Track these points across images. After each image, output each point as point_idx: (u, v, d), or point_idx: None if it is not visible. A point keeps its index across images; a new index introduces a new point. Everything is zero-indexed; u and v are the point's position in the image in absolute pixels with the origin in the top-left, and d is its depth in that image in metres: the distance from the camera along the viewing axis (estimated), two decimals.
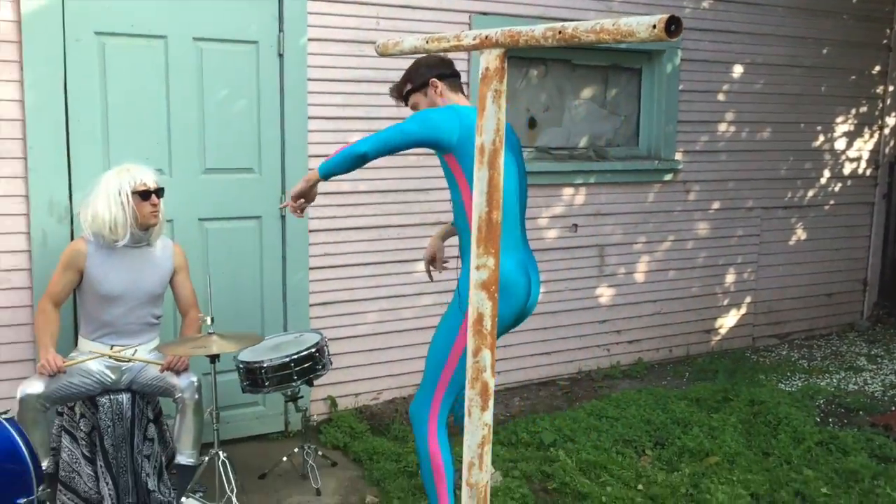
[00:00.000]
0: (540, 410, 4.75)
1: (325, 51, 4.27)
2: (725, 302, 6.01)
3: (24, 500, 2.67)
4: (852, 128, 6.40)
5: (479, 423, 1.45)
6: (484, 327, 1.42)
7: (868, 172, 6.58)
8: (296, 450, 3.88)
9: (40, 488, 2.73)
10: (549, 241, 5.14)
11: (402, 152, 3.14)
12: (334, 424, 4.34)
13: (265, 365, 3.49)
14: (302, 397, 3.77)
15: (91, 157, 3.74)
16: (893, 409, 4.88)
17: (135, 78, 3.81)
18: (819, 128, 6.23)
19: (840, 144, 6.36)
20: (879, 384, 5.36)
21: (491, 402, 1.46)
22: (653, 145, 5.57)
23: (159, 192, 3.41)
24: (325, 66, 4.27)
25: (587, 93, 5.41)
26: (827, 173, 6.34)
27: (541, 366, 5.25)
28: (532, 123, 5.24)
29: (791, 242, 6.27)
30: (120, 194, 3.31)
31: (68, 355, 3.38)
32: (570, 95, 5.35)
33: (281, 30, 4.12)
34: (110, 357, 3.37)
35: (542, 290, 5.05)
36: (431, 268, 3.53)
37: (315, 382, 3.73)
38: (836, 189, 6.43)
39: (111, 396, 3.36)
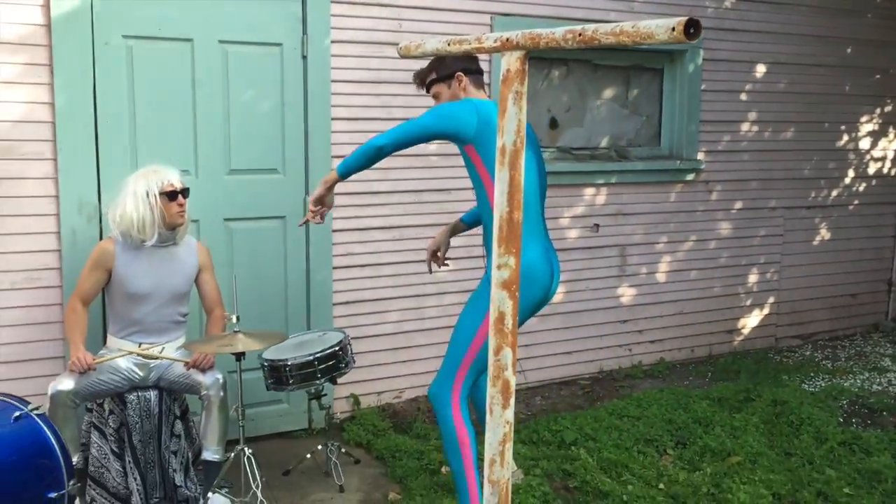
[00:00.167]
0: (561, 409, 4.76)
1: (348, 52, 4.31)
2: (748, 302, 5.98)
3: (55, 494, 2.71)
4: (876, 127, 6.34)
5: (500, 421, 1.47)
6: (505, 326, 1.44)
7: (893, 172, 6.52)
8: (319, 447, 3.92)
9: (70, 483, 2.77)
10: (571, 241, 5.14)
11: (424, 152, 3.18)
12: (357, 422, 4.38)
13: (289, 363, 3.54)
14: (325, 395, 3.81)
15: (119, 158, 3.81)
16: None
17: (162, 80, 3.87)
18: (843, 127, 6.18)
19: (864, 144, 6.31)
20: None
21: (512, 400, 1.48)
22: (675, 145, 5.56)
23: (185, 192, 3.47)
24: (347, 67, 4.31)
25: (609, 93, 5.41)
26: (851, 173, 6.29)
27: (562, 365, 5.25)
28: (553, 124, 5.25)
29: (815, 242, 6.23)
30: (148, 195, 3.38)
31: (97, 353, 3.44)
32: (591, 96, 5.35)
33: (305, 32, 4.16)
34: (138, 354, 3.43)
35: (563, 289, 5.08)
36: (432, 262, 3.64)
37: (338, 381, 3.77)
38: (861, 189, 6.38)
39: (139, 393, 3.43)
